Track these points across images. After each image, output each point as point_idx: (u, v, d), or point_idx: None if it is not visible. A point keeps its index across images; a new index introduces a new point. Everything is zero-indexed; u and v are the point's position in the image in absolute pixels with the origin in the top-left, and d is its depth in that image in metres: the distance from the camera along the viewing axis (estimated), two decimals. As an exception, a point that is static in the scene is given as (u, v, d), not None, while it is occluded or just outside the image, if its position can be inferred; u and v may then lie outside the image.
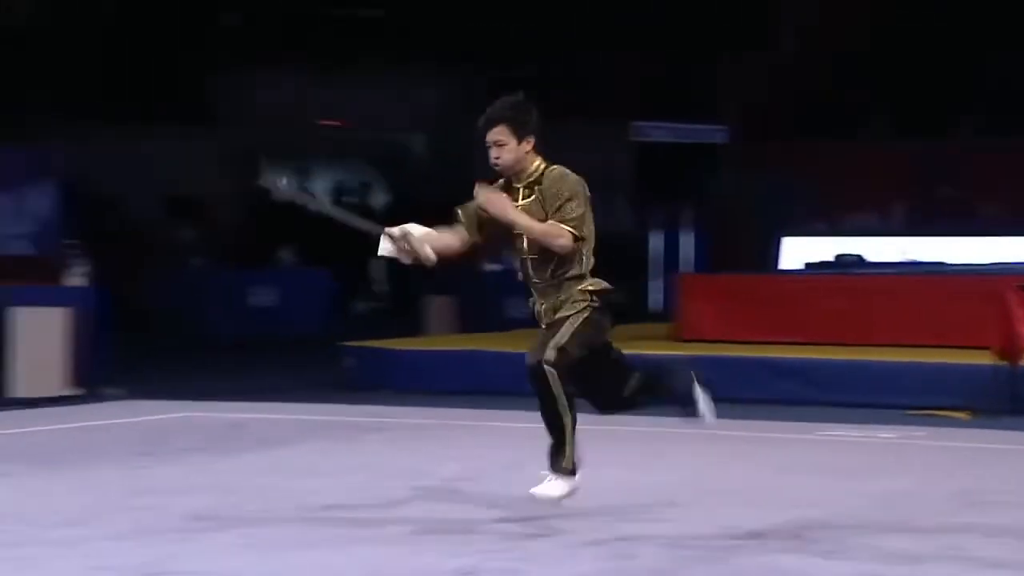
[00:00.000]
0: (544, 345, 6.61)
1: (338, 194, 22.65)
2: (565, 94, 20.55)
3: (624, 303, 6.95)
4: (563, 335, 6.60)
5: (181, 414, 11.48)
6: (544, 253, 6.70)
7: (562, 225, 6.64)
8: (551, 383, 6.57)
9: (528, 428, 10.68)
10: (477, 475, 8.66)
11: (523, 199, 6.74)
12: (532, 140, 6.72)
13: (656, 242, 20.43)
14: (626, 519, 7.21)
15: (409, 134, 23.00)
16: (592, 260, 6.77)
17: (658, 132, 20.45)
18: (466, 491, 8.13)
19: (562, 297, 6.70)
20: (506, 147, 6.69)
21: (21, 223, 18.98)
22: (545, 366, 6.56)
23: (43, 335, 12.12)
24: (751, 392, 12.28)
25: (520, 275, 6.87)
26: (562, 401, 6.61)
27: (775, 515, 7.32)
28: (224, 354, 16.04)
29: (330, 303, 19.29)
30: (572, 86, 20.75)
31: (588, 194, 6.75)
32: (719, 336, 13.51)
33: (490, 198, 6.73)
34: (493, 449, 9.78)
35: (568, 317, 6.64)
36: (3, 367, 12.02)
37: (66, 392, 12.13)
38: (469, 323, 16.89)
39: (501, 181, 6.84)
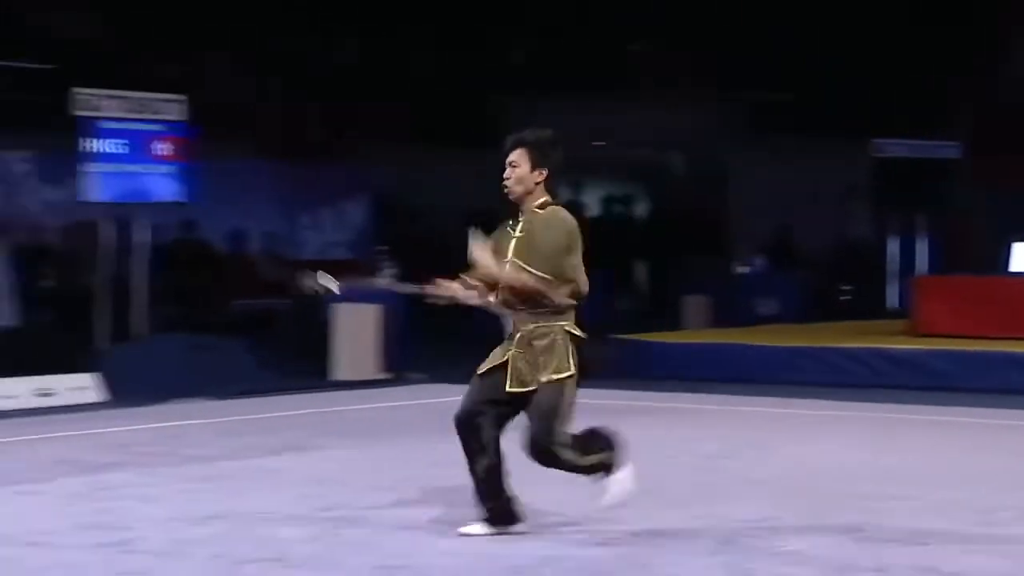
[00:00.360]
0: (543, 421, 5.83)
1: (607, 204, 22.76)
2: (813, 115, 20.23)
3: (594, 357, 6.09)
4: (556, 409, 5.86)
5: (474, 396, 11.66)
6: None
7: (558, 281, 5.79)
8: (560, 459, 5.92)
9: (772, 412, 10.59)
10: (733, 452, 8.59)
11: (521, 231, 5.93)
12: (545, 173, 5.89)
13: (893, 247, 19.91)
14: (874, 498, 7.05)
15: (669, 153, 22.92)
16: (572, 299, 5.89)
17: (896, 148, 19.88)
18: (724, 467, 8.08)
19: (540, 329, 5.85)
20: (518, 170, 5.88)
21: (341, 231, 19.66)
22: (552, 448, 5.86)
23: (359, 328, 12.46)
24: (985, 382, 11.89)
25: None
26: (571, 462, 5.98)
27: (1011, 495, 7.06)
28: (510, 344, 16.22)
29: (601, 299, 19.33)
30: (819, 107, 20.42)
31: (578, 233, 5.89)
32: (951, 331, 13.10)
33: (480, 257, 5.85)
34: (743, 430, 9.68)
35: (555, 383, 5.85)
36: (328, 355, 12.42)
37: (378, 376, 12.44)
38: (721, 319, 16.72)
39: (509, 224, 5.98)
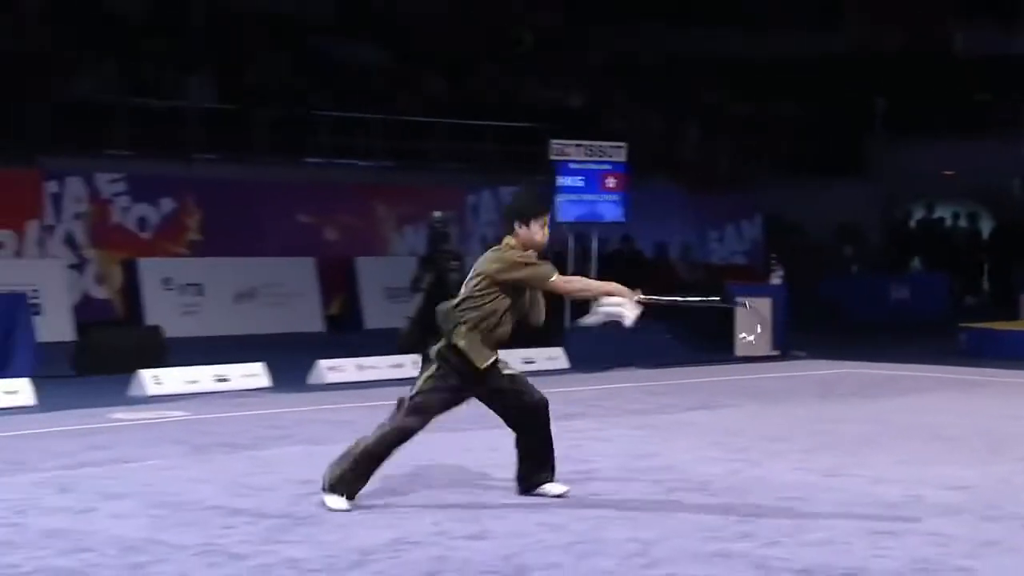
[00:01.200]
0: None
1: (956, 220, 21.39)
2: None
3: None
4: None
5: (844, 370, 11.32)
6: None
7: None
8: None
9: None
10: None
11: None
12: None
13: None
14: None
15: (1010, 179, 21.35)
16: None
17: None
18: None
19: None
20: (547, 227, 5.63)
21: (740, 243, 19.63)
22: None
23: (755, 315, 12.31)
24: None
25: (509, 326, 5.68)
26: None
27: None
28: (872, 333, 15.54)
29: (948, 297, 18.29)
30: None
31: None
32: None
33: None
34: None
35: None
36: (731, 336, 12.35)
37: (769, 353, 12.29)
38: (1056, 314, 15.34)
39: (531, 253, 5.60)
